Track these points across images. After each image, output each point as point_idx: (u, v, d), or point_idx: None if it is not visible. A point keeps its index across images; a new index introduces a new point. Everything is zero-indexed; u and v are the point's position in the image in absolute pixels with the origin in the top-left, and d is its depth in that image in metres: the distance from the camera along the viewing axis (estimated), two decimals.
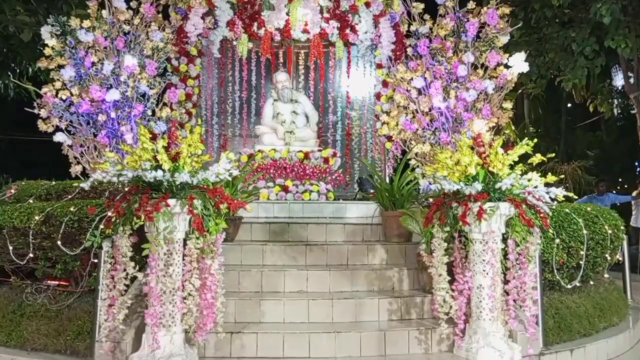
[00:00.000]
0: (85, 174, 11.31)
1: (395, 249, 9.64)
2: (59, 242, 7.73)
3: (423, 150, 11.87)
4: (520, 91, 19.34)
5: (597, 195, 18.14)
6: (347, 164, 14.01)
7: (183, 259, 6.98)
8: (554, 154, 7.25)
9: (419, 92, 12.02)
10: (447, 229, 7.58)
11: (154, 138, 7.18)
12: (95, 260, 7.39)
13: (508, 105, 11.76)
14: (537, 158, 7.40)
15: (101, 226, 7.24)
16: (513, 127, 11.75)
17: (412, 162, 12.00)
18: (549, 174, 7.54)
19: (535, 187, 7.43)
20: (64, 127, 11.24)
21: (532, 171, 7.65)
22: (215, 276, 7.05)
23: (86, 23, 11.20)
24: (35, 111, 11.21)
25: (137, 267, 7.11)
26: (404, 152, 12.36)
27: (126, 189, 7.20)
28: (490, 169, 7.36)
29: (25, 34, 13.94)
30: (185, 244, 7.01)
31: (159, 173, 6.78)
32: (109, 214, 6.95)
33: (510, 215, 7.31)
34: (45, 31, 11.28)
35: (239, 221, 9.79)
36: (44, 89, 11.18)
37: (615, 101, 22.55)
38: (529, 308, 7.23)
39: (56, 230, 7.87)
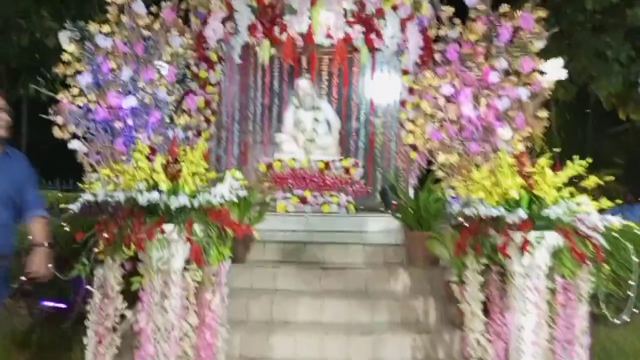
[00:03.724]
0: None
1: (420, 273, 8.16)
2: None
3: (450, 161, 10.34)
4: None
5: (626, 206, 16.57)
6: (370, 172, 12.75)
7: None
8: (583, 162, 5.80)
9: (447, 99, 10.50)
10: (484, 260, 5.99)
11: (153, 153, 5.79)
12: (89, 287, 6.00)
13: (543, 114, 10.19)
14: (591, 181, 5.83)
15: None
16: (540, 134, 10.50)
17: (439, 173, 10.48)
18: (604, 198, 5.92)
19: (588, 213, 5.82)
20: (81, 134, 10.12)
21: (581, 192, 6.04)
22: (216, 312, 5.65)
23: (105, 28, 10.07)
24: (51, 117, 10.05)
25: (128, 303, 5.68)
26: (429, 163, 10.90)
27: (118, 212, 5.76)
28: (536, 192, 5.77)
29: (50, 40, 12.83)
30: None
31: (154, 195, 5.42)
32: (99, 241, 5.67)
33: (558, 246, 5.71)
34: (63, 36, 10.18)
35: (249, 241, 8.25)
36: (60, 95, 10.07)
37: None
38: (577, 356, 5.67)
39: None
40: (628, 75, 15.37)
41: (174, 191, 5.58)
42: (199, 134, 11.10)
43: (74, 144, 10.00)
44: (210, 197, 5.71)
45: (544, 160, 6.01)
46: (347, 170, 11.41)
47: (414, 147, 11.22)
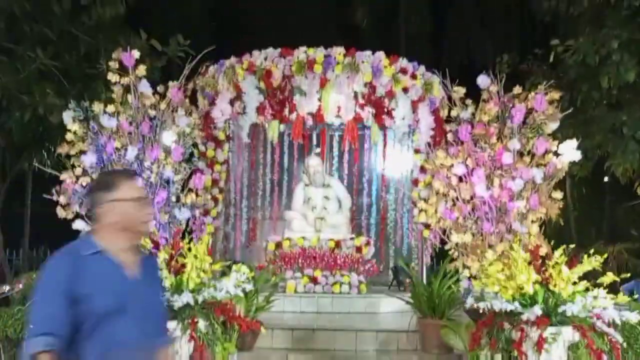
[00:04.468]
0: None
1: None
2: None
3: (464, 241, 10.14)
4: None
5: None
6: (382, 249, 12.64)
7: None
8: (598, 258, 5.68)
9: (460, 179, 10.37)
10: (499, 356, 5.87)
11: (157, 247, 5.72)
12: None
13: (558, 195, 10.05)
14: (608, 278, 5.71)
15: None
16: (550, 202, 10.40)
17: (452, 252, 10.24)
18: (620, 293, 5.81)
19: (604, 308, 5.70)
20: (84, 213, 9.80)
21: (596, 286, 5.93)
22: None
23: (110, 108, 10.03)
24: (54, 198, 9.92)
25: None
26: (442, 242, 10.64)
27: None
28: (551, 287, 5.66)
29: (54, 116, 12.81)
30: None
31: None
32: None
33: (574, 340, 5.58)
34: (67, 116, 10.19)
35: (257, 329, 8.10)
36: (63, 176, 10.01)
37: None
38: None
39: None
40: None
41: (177, 287, 5.47)
42: (206, 213, 11.03)
43: (78, 224, 9.80)
44: (215, 292, 5.62)
45: (559, 256, 5.91)
46: (358, 249, 11.29)
47: (426, 226, 11.07)
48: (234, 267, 6.08)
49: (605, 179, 20.63)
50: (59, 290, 3.17)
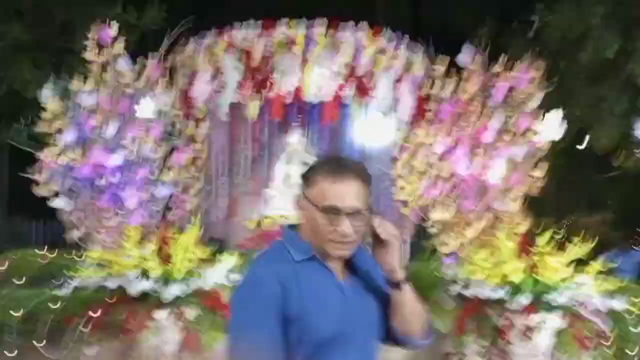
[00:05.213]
0: (83, 240, 9.99)
1: None
2: (40, 346, 6.24)
3: (444, 218, 10.30)
4: None
5: (621, 251, 16.50)
6: None
7: None
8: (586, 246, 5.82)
9: (441, 157, 10.54)
10: (485, 343, 6.01)
11: (143, 235, 5.79)
12: None
13: (539, 173, 10.15)
14: (593, 268, 5.87)
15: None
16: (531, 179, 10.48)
17: (432, 230, 10.49)
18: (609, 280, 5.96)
19: (590, 296, 5.86)
20: (64, 191, 9.99)
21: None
22: None
23: (88, 85, 9.99)
24: (33, 176, 9.91)
25: None
26: (422, 220, 10.75)
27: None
28: (538, 275, 5.80)
29: (29, 91, 12.76)
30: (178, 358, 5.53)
31: (146, 284, 5.34)
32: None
33: (560, 327, 5.74)
34: (46, 93, 10.13)
35: None
36: (43, 154, 9.95)
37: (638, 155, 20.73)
38: None
39: (38, 329, 6.35)
40: (624, 126, 15.32)
41: (166, 277, 5.55)
42: (185, 190, 11.15)
43: (57, 202, 9.92)
44: (203, 282, 5.71)
45: (545, 243, 6.05)
46: None
47: (405, 203, 11.21)
48: (219, 256, 6.16)
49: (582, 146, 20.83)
50: (271, 308, 2.53)
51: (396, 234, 2.82)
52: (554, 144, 13.65)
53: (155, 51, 10.74)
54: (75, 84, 10.02)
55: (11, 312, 6.61)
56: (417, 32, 12.08)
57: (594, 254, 6.42)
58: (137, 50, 10.87)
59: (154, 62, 10.59)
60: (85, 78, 10.18)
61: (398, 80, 11.61)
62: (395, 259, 2.79)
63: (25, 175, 9.93)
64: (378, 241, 2.77)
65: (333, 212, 2.58)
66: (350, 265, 2.80)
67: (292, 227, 2.86)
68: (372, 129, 12.36)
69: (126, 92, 10.26)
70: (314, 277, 2.64)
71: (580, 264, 6.26)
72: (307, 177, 2.79)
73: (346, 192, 2.61)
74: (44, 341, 6.30)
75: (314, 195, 2.65)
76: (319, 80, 11.46)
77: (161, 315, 5.35)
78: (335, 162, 2.77)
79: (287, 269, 2.61)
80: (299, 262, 2.64)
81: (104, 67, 10.24)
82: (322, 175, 2.67)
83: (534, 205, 10.33)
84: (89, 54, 10.04)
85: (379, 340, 2.87)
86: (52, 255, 9.05)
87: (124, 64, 10.23)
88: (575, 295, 5.78)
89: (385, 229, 2.78)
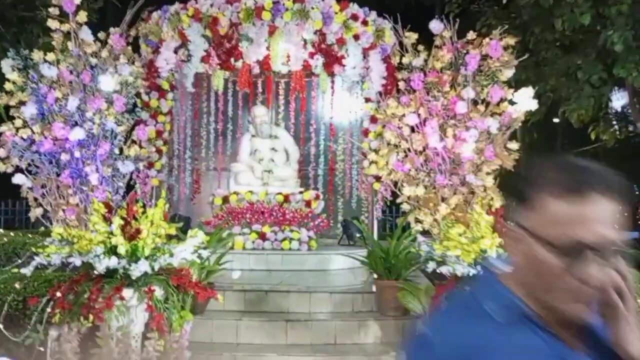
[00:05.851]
0: (46, 217, 9.94)
1: (391, 325, 8.05)
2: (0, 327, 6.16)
3: (416, 194, 10.14)
4: None
5: None
6: (330, 202, 12.66)
7: None
8: None
9: (412, 129, 10.35)
10: None
11: (110, 211, 5.69)
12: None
13: (514, 145, 10.04)
14: None
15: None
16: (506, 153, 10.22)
17: (404, 206, 10.32)
18: None
19: None
20: (24, 167, 9.88)
21: None
22: None
23: (50, 56, 9.84)
24: None
25: None
26: (394, 195, 10.68)
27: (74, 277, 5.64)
28: None
29: None
30: (145, 338, 5.46)
31: (113, 261, 5.29)
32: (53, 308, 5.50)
33: None
34: (5, 65, 9.96)
35: (214, 297, 8.10)
36: (3, 128, 9.81)
37: (616, 127, 20.84)
38: None
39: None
40: (599, 96, 15.28)
41: (133, 253, 5.48)
42: (150, 165, 11.04)
43: (18, 178, 9.77)
44: (171, 259, 5.63)
45: None
46: (307, 204, 11.32)
47: (377, 178, 11.09)
48: (190, 232, 6.09)
49: (556, 120, 20.84)
50: None
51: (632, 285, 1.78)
52: (528, 118, 13.70)
53: (119, 22, 10.61)
54: (36, 54, 9.84)
55: None
56: (383, 9, 11.93)
57: None
58: (101, 21, 10.75)
59: (118, 31, 10.44)
60: (48, 49, 10.02)
61: (369, 49, 11.47)
62: (632, 332, 1.76)
63: None
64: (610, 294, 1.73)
65: (578, 250, 1.66)
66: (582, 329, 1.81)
67: (488, 269, 1.94)
68: (341, 100, 12.31)
69: (89, 63, 10.11)
70: (525, 348, 1.72)
71: None
72: (527, 195, 1.77)
73: (600, 219, 1.69)
74: (5, 322, 6.24)
75: (540, 225, 1.71)
76: (287, 49, 11.33)
77: (128, 294, 5.28)
78: (576, 170, 1.75)
79: (478, 332, 1.74)
80: (501, 324, 1.73)
81: (66, 37, 10.08)
82: (556, 191, 1.70)
83: (504, 181, 10.26)
84: (52, 22, 9.84)
85: None
86: (13, 235, 8.96)
87: (88, 33, 10.05)
88: None
89: (628, 278, 1.75)
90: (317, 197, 11.60)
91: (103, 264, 5.21)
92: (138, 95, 11.01)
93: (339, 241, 11.90)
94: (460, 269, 5.90)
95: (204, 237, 6.22)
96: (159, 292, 5.39)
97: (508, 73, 10.19)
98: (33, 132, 9.81)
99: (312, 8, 11.12)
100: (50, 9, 9.84)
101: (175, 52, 11.29)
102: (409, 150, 10.35)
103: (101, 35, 10.39)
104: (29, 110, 9.74)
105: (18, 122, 9.84)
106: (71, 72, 10.02)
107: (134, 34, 11.11)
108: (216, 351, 7.29)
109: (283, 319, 7.97)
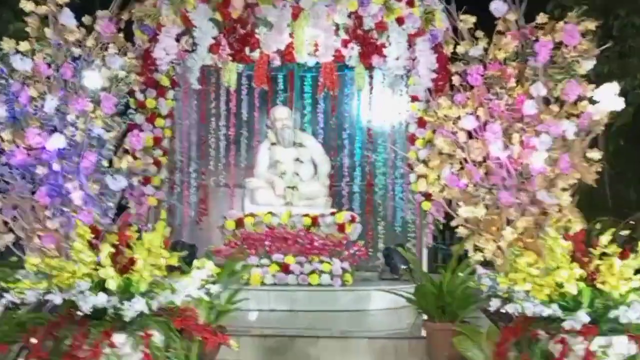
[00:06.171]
0: (18, 245, 9.87)
1: None
2: None
3: (475, 215, 10.03)
4: None
5: None
6: (369, 226, 12.70)
7: None
8: None
9: (470, 135, 10.25)
10: None
11: (97, 236, 5.70)
12: None
13: (595, 155, 9.77)
14: None
15: None
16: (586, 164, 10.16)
17: (461, 230, 10.19)
18: None
19: None
20: None
21: None
22: None
23: (23, 45, 9.77)
24: None
25: None
26: (447, 216, 10.64)
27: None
28: (600, 286, 5.74)
29: None
30: None
31: (101, 298, 5.27)
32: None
33: (629, 354, 5.69)
34: None
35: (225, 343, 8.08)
36: None
37: None
38: None
39: None
40: None
41: (126, 289, 5.48)
42: (146, 181, 11.06)
43: None
44: (173, 296, 5.63)
45: (608, 243, 5.98)
46: (341, 228, 11.27)
47: (426, 196, 11.08)
48: (196, 263, 6.09)
49: None
50: None
51: None
52: (613, 118, 13.65)
53: (108, 3, 10.63)
54: (6, 43, 9.81)
55: None
56: None
57: None
58: (86, 3, 10.80)
59: (107, 15, 10.42)
60: (20, 37, 10.00)
61: (415, 36, 11.44)
62: None
63: None
64: None
65: None
66: None
67: None
68: (382, 99, 12.31)
69: (72, 54, 10.14)
70: None
71: None
72: None
73: None
74: None
75: None
76: (315, 36, 11.35)
77: (120, 339, 5.29)
78: None
79: None
80: None
81: (43, 22, 10.08)
82: None
83: (584, 199, 10.22)
84: (25, 4, 9.85)
85: None
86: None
87: (70, 17, 10.04)
88: None
89: None
90: (352, 220, 11.50)
91: (89, 302, 5.21)
92: (131, 93, 11.02)
93: (380, 274, 11.87)
94: (531, 308, 5.87)
95: (213, 269, 6.22)
96: (158, 338, 5.40)
97: (587, 65, 10.05)
98: (2, 140, 9.74)
99: None
100: None
101: (177, 40, 11.32)
102: (465, 161, 10.25)
103: (86, 19, 10.26)
104: None
105: None
106: (49, 66, 9.92)
107: (127, 18, 10.95)
108: None
109: None
